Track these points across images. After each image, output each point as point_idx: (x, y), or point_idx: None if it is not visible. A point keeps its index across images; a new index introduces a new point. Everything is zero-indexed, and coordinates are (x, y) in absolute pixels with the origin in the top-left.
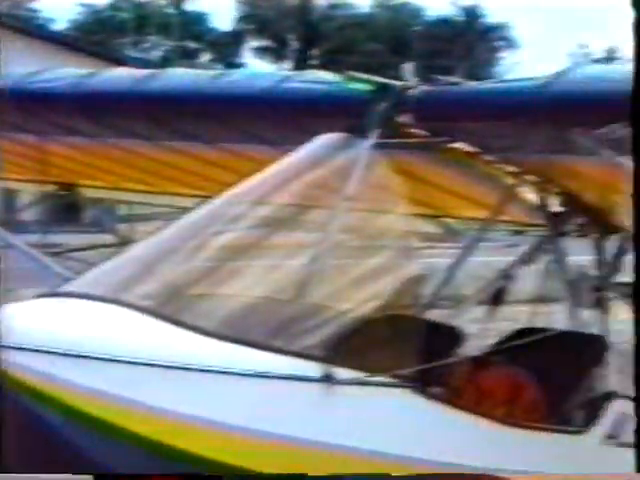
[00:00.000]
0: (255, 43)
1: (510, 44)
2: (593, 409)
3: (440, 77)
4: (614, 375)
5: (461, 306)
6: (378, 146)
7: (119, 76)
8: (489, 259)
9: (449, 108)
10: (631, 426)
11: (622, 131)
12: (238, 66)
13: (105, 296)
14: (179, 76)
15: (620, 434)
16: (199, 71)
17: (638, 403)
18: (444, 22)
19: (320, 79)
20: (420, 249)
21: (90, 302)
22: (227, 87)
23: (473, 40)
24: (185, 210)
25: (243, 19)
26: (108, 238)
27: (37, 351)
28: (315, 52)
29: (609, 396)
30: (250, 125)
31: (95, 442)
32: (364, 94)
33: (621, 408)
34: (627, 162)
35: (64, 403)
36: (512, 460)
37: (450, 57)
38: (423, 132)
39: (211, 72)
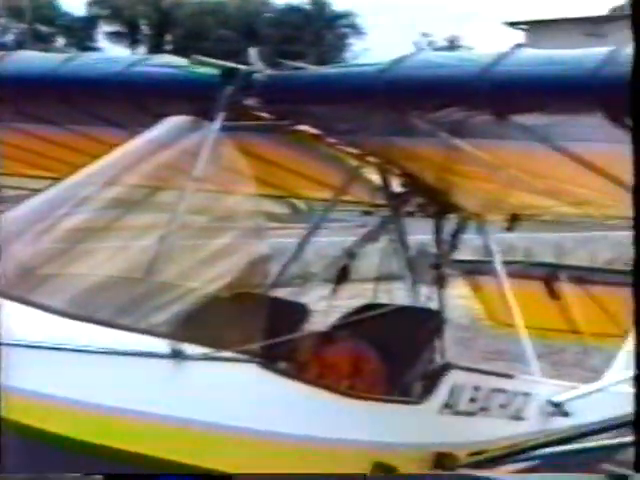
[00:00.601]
0: (109, 28)
1: (357, 31)
2: (431, 380)
3: (285, 62)
4: (450, 347)
5: (307, 284)
6: (225, 129)
7: None
8: (337, 239)
9: (294, 92)
10: (466, 395)
11: (457, 114)
12: (92, 50)
13: None
14: (29, 59)
15: (456, 403)
16: (49, 54)
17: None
18: (293, 9)
19: (169, 63)
20: (267, 229)
21: None
22: (77, 70)
23: (322, 27)
24: (35, 192)
25: (96, 4)
26: None
27: None
28: (168, 38)
29: (446, 367)
30: (100, 107)
31: None
32: (211, 78)
33: (457, 379)
34: (462, 144)
35: None
36: (355, 430)
37: (300, 43)
38: (269, 115)
39: (62, 55)
